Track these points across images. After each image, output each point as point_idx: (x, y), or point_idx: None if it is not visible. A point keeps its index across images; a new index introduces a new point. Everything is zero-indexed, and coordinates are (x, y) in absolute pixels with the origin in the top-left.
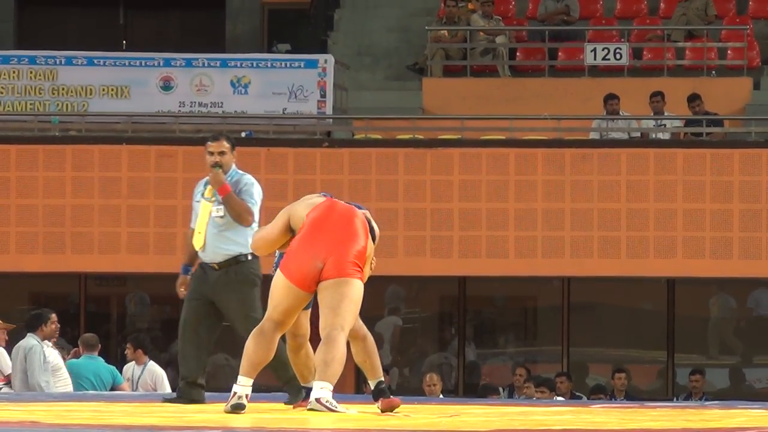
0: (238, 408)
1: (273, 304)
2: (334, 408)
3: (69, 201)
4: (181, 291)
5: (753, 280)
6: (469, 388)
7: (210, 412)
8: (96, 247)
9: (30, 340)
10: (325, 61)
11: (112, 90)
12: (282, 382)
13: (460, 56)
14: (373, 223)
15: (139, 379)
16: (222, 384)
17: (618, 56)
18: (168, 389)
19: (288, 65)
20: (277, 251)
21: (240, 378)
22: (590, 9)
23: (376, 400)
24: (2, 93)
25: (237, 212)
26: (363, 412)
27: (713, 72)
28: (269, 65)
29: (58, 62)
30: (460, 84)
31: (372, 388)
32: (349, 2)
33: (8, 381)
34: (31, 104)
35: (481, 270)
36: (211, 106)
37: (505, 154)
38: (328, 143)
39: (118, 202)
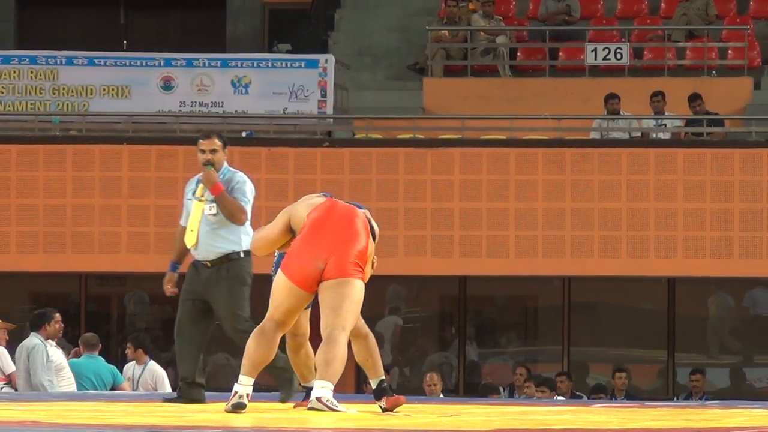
0: (238, 407)
1: (274, 304)
2: (334, 407)
3: (69, 201)
4: (168, 288)
5: (753, 279)
6: (470, 387)
7: (210, 411)
8: (96, 246)
9: (33, 339)
10: (326, 61)
11: (113, 90)
12: (273, 376)
13: (461, 56)
14: (373, 223)
15: (139, 378)
16: (222, 384)
17: (618, 56)
18: (168, 389)
19: (288, 65)
20: (276, 251)
21: (241, 377)
22: (591, 9)
23: (378, 398)
24: (3, 93)
25: (230, 211)
26: (363, 412)
27: (714, 72)
28: (270, 65)
29: (58, 62)
30: (460, 84)
31: (374, 386)
32: (350, 2)
33: (8, 381)
34: (31, 104)
35: (482, 269)
36: (211, 106)
37: (505, 153)
38: (329, 143)
39: (118, 202)
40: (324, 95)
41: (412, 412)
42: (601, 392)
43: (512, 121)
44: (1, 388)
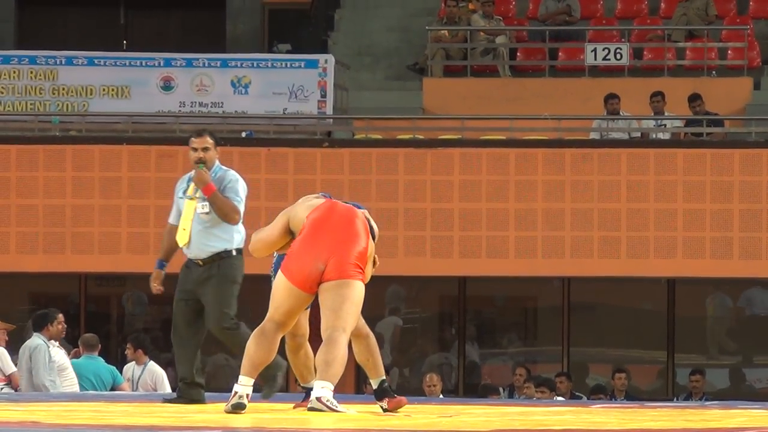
0: (238, 407)
1: (274, 305)
2: (334, 407)
3: (69, 201)
4: (155, 286)
5: (753, 280)
6: (470, 388)
7: (210, 412)
8: (96, 247)
9: (36, 339)
10: (326, 61)
11: (113, 90)
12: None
13: (461, 56)
14: (372, 222)
15: (139, 379)
16: (222, 384)
17: (618, 56)
18: (168, 389)
19: (288, 65)
20: (275, 252)
21: (241, 378)
22: (591, 9)
23: (379, 399)
24: (3, 93)
25: (224, 212)
26: (362, 412)
27: (713, 72)
28: (270, 65)
29: (58, 62)
30: (460, 84)
31: (375, 387)
32: (350, 2)
33: (8, 381)
34: (31, 104)
35: (482, 270)
36: (211, 106)
37: (505, 154)
38: (329, 143)
39: (118, 203)
40: (324, 95)
41: (412, 413)
42: (600, 393)
43: (512, 121)
44: (1, 388)
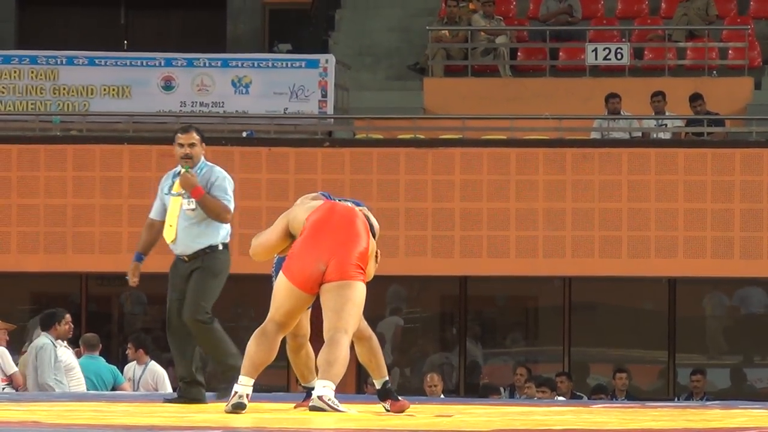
0: (238, 407)
1: (275, 305)
2: (336, 407)
3: (70, 201)
4: (131, 279)
5: (754, 280)
6: (470, 388)
7: (211, 411)
8: (97, 247)
9: (42, 339)
10: (326, 61)
11: (114, 90)
12: (220, 371)
13: (461, 56)
14: (372, 219)
15: (140, 378)
16: (222, 384)
17: (619, 56)
18: (169, 389)
19: (289, 65)
20: (275, 254)
21: (241, 378)
22: (591, 9)
23: (382, 399)
24: (3, 93)
25: (215, 212)
26: (363, 412)
27: (714, 72)
28: (270, 65)
29: (59, 62)
30: (461, 84)
31: (378, 387)
32: (350, 2)
33: (9, 381)
34: (32, 104)
35: (482, 270)
36: (212, 106)
37: (506, 153)
38: (330, 143)
39: (119, 202)
40: (324, 95)
41: (413, 413)
42: (601, 393)
43: (513, 121)
44: (3, 388)
